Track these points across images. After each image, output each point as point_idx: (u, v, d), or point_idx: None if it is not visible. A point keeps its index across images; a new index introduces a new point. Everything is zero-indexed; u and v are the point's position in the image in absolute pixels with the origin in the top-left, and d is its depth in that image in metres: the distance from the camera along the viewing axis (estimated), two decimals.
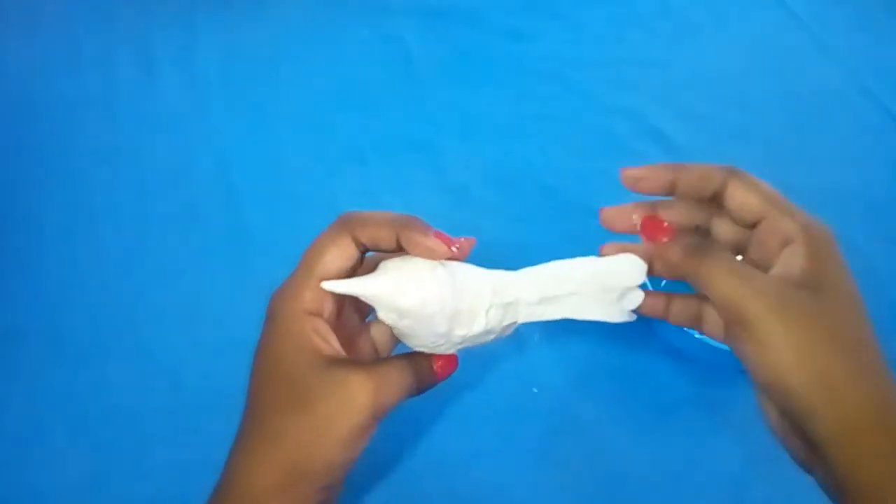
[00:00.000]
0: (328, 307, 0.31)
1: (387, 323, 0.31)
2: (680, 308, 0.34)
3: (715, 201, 0.33)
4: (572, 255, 0.49)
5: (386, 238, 0.30)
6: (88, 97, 0.57)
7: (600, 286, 0.34)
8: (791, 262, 0.29)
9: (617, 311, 0.34)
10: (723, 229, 0.34)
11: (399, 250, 0.31)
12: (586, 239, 0.52)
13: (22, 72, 0.59)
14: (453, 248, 0.30)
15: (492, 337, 0.33)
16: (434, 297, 0.30)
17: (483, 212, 0.52)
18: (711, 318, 0.33)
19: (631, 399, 0.44)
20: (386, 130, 0.57)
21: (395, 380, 0.30)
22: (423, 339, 0.32)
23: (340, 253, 0.30)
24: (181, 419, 0.41)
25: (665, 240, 0.32)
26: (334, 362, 0.30)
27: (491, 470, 0.40)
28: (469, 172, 0.55)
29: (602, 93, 0.62)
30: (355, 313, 0.35)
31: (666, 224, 0.33)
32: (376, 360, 0.34)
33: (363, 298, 0.30)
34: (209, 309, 0.46)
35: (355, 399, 0.29)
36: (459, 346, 0.33)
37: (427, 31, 0.65)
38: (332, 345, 0.31)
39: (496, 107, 0.60)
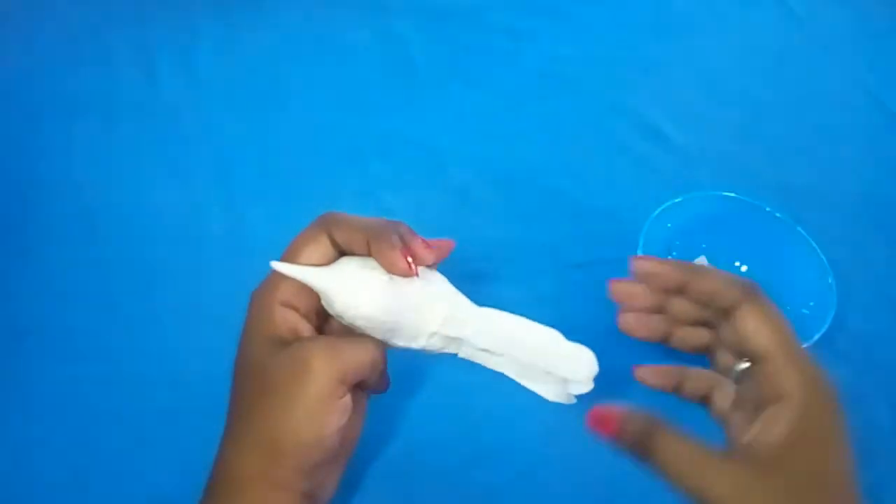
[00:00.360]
0: (305, 301, 0.32)
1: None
2: (693, 386, 0.34)
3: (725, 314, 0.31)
4: (572, 256, 0.50)
5: (358, 242, 0.31)
6: (88, 97, 0.57)
7: (544, 365, 0.33)
8: (772, 428, 0.28)
9: (556, 390, 0.34)
10: (730, 338, 0.32)
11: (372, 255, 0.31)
12: (586, 239, 0.52)
13: (22, 72, 0.59)
14: (412, 267, 0.30)
15: (434, 352, 0.33)
16: (367, 314, 0.30)
17: (483, 212, 0.52)
18: (720, 398, 0.33)
19: (631, 400, 0.44)
20: (386, 130, 0.57)
21: (357, 346, 0.30)
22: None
23: (317, 248, 0.31)
24: (181, 419, 0.41)
25: (615, 431, 0.30)
26: (296, 343, 0.30)
27: (491, 470, 0.40)
28: (469, 172, 0.55)
29: (602, 93, 0.62)
30: None
31: (611, 415, 0.30)
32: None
33: (308, 285, 0.31)
34: (209, 309, 0.45)
35: (312, 367, 0.29)
36: (403, 348, 0.33)
37: (427, 31, 0.65)
38: (300, 332, 0.31)
39: (496, 107, 0.60)
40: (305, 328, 0.32)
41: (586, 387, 0.33)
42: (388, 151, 0.56)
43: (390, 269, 0.30)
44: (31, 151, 0.54)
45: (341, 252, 0.32)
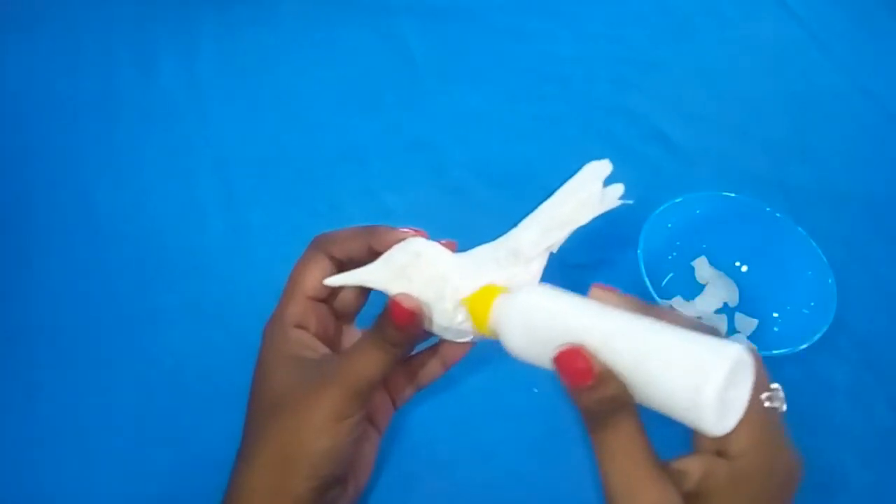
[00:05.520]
0: (315, 321, 0.33)
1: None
2: None
3: None
4: (572, 256, 0.50)
5: (357, 248, 0.32)
6: (88, 97, 0.57)
7: (578, 199, 0.35)
8: (687, 476, 0.27)
9: (600, 205, 0.35)
10: None
11: (371, 257, 0.32)
12: (586, 239, 0.52)
13: (22, 72, 0.59)
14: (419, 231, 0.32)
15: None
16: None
17: (483, 212, 0.52)
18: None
19: None
20: (386, 130, 0.57)
21: (367, 359, 0.30)
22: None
23: (318, 269, 0.33)
24: (181, 419, 0.41)
25: (588, 383, 0.26)
26: (311, 360, 0.31)
27: (491, 470, 0.40)
28: (469, 172, 0.55)
29: (602, 93, 0.62)
30: (338, 321, 0.35)
31: (589, 367, 0.26)
32: (354, 344, 0.33)
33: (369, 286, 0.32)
34: (209, 309, 0.46)
35: (324, 385, 0.29)
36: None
37: (427, 30, 0.65)
38: (316, 350, 0.32)
39: (496, 107, 0.60)
40: (319, 346, 0.32)
41: (620, 187, 0.34)
42: (388, 151, 0.56)
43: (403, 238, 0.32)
44: (32, 151, 0.54)
45: (340, 267, 0.33)
